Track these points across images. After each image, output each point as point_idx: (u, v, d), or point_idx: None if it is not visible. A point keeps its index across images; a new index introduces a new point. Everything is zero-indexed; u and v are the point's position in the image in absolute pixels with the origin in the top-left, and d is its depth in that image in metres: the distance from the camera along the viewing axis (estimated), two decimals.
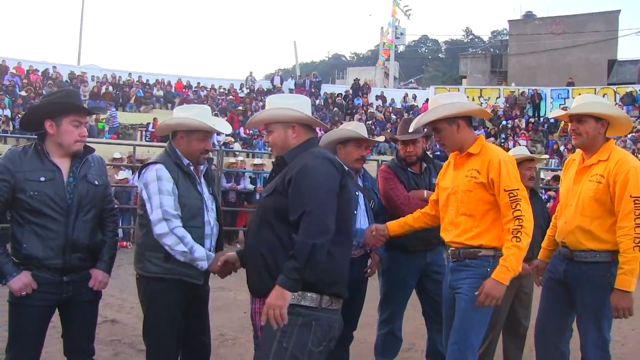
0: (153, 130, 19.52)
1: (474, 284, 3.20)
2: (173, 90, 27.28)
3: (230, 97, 26.88)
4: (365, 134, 4.00)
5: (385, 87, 33.99)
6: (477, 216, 3.28)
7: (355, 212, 3.85)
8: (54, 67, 27.34)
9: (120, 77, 27.58)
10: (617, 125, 3.53)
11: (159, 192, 3.18)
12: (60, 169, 3.15)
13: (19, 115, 19.60)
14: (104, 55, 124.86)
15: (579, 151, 3.65)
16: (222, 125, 3.69)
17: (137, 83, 26.94)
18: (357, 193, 3.94)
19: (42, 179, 3.06)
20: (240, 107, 24.33)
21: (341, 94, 29.06)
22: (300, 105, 2.94)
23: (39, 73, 26.05)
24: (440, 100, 3.46)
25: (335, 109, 26.96)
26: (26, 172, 3.06)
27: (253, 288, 2.87)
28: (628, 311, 3.25)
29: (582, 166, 3.55)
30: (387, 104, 28.29)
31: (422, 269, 4.23)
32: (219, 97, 27.01)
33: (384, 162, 5.14)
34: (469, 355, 3.22)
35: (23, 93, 22.57)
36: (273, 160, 3.04)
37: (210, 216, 3.43)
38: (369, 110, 27.02)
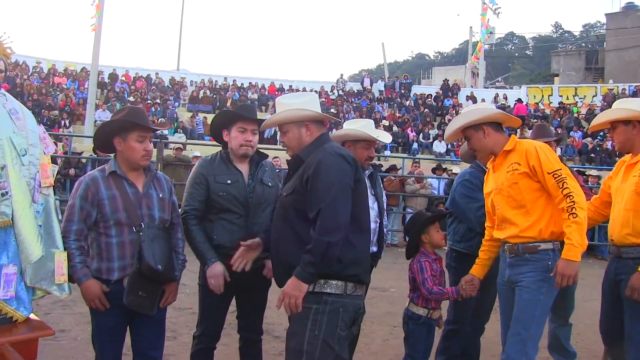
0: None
1: (536, 277, 3.26)
2: (267, 93, 28.04)
3: (322, 99, 27.25)
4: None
5: (473, 86, 33.44)
6: (528, 206, 3.31)
7: None
8: (157, 73, 28.95)
9: (216, 81, 28.72)
10: None
11: None
12: (242, 173, 3.52)
13: None
14: (200, 60, 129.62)
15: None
16: (384, 136, 4.22)
17: (233, 87, 27.93)
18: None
19: (229, 181, 3.45)
20: (332, 110, 24.63)
21: (431, 94, 28.80)
22: (310, 103, 3.02)
23: (144, 79, 27.57)
24: (463, 111, 3.67)
25: (426, 110, 26.80)
26: (216, 176, 3.47)
27: (278, 280, 2.98)
28: None
29: (627, 164, 3.64)
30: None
31: None
32: None
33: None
34: (530, 346, 3.27)
35: (131, 99, 23.92)
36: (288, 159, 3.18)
37: (372, 214, 3.74)
38: (459, 111, 26.41)
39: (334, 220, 2.67)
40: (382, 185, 4.42)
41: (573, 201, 3.13)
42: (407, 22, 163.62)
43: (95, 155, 11.01)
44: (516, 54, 70.92)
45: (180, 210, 3.52)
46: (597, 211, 3.89)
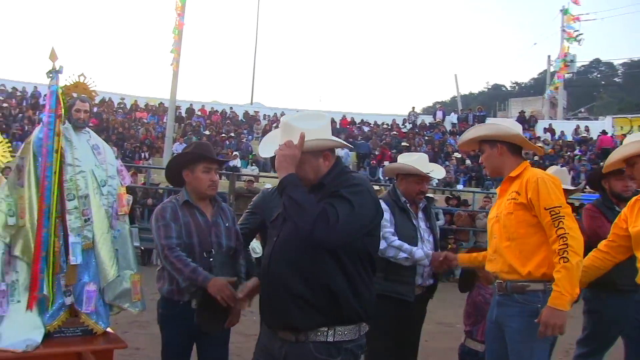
0: None
1: (524, 323, 3.01)
2: (338, 126, 28.36)
3: (394, 132, 27.26)
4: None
5: (552, 118, 32.49)
6: (520, 239, 3.09)
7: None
8: (231, 107, 29.98)
9: None
10: None
11: None
12: None
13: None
14: (273, 93, 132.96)
15: None
16: (438, 172, 4.26)
17: None
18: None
19: None
20: (404, 143, 24.60)
21: None
22: (327, 128, 2.66)
23: (219, 113, 28.63)
24: (486, 121, 3.46)
25: None
26: (272, 208, 3.64)
27: (277, 320, 2.61)
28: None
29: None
30: (557, 136, 26.83)
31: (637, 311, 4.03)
32: (382, 133, 27.55)
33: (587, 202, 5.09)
34: None
35: (207, 132, 24.82)
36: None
37: (425, 246, 3.98)
38: (537, 144, 25.41)
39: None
40: (435, 217, 4.51)
41: (566, 244, 2.89)
42: (482, 53, 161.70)
43: (172, 187, 11.55)
44: (602, 82, 67.89)
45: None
46: (605, 258, 3.56)
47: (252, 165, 22.03)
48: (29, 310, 3.02)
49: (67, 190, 3.18)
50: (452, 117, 29.85)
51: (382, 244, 3.78)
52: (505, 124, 3.35)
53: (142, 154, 21.87)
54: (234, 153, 21.42)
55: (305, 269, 2.39)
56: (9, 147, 3.34)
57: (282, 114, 28.86)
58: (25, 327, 3.00)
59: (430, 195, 8.24)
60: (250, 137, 26.40)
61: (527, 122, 28.29)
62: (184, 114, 27.43)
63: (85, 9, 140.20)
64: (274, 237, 2.59)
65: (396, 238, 3.85)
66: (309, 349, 2.38)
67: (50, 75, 3.10)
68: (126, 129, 24.57)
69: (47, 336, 3.07)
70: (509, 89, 70.83)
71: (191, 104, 28.77)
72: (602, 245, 3.58)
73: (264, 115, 29.47)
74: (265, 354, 2.58)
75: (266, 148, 2.72)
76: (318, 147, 2.52)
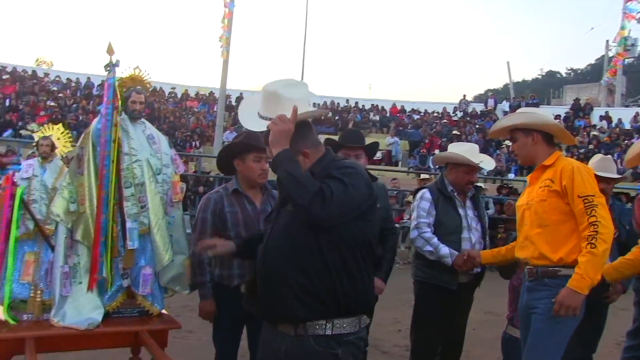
0: None
1: (551, 306, 3.01)
2: (388, 114, 28.27)
3: (445, 121, 26.97)
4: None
5: (609, 105, 31.41)
6: (552, 226, 3.10)
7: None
8: None
9: (338, 103, 29.38)
10: None
11: (417, 208, 4.04)
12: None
13: None
14: (322, 81, 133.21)
15: None
16: (488, 163, 4.27)
17: (355, 109, 28.45)
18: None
19: None
20: (455, 131, 24.32)
21: (560, 115, 26.96)
22: (307, 98, 2.60)
23: None
24: (520, 111, 3.53)
25: None
26: None
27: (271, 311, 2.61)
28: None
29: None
30: (614, 124, 25.89)
31: None
32: (433, 121, 27.30)
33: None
34: None
35: None
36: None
37: (473, 234, 4.03)
38: (591, 133, 24.62)
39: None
40: (485, 206, 4.51)
41: (596, 231, 2.93)
42: (536, 39, 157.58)
43: (222, 175, 11.80)
44: None
45: None
46: None
47: None
48: (89, 291, 3.22)
49: (124, 179, 3.35)
50: (504, 105, 29.23)
51: (414, 233, 4.00)
52: (541, 113, 3.39)
53: (193, 143, 22.32)
54: None
55: (301, 259, 2.33)
56: (69, 137, 3.53)
57: (332, 102, 29.14)
58: (86, 307, 3.20)
59: (481, 184, 8.20)
60: None
61: (582, 109, 27.71)
62: (234, 103, 27.78)
63: (141, 5, 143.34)
64: (268, 230, 2.54)
65: (429, 230, 3.96)
66: (309, 342, 2.33)
67: (108, 68, 3.25)
68: (177, 118, 25.11)
69: (106, 316, 3.26)
70: (564, 75, 68.49)
71: (241, 93, 29.01)
72: None
73: (314, 103, 29.54)
74: (266, 348, 2.56)
75: (250, 120, 2.53)
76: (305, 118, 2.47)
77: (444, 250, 3.86)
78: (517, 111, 3.55)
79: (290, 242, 2.36)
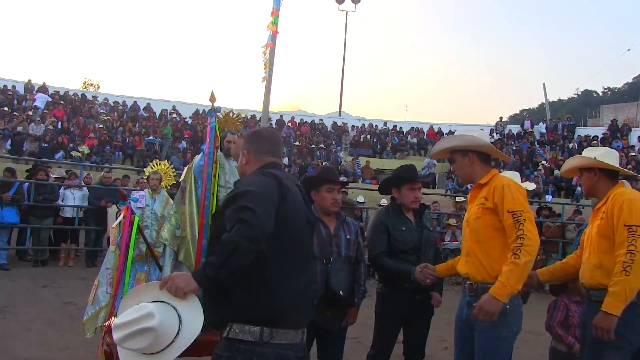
0: None
1: (493, 322, 3.13)
2: (425, 137, 28.52)
3: None
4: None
5: None
6: (487, 242, 3.29)
7: None
8: (320, 119, 30.78)
9: (376, 126, 29.79)
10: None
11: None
12: (411, 221, 4.24)
13: (294, 163, 22.68)
14: (359, 102, 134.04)
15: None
16: (528, 186, 4.56)
17: (392, 131, 28.83)
18: None
19: (403, 228, 4.17)
20: None
21: (597, 136, 26.82)
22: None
23: (308, 124, 29.51)
24: (456, 133, 3.72)
25: None
26: (393, 224, 4.22)
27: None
28: (607, 332, 3.20)
29: (594, 210, 3.65)
30: None
31: None
32: None
33: None
34: None
35: (297, 143, 25.72)
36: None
37: None
38: (630, 154, 24.12)
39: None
40: None
41: (521, 243, 3.09)
42: (572, 59, 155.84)
43: None
44: None
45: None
46: (579, 260, 3.80)
47: (341, 176, 22.58)
48: None
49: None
50: (541, 127, 29.24)
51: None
52: (475, 134, 3.57)
53: None
54: (324, 164, 22.14)
55: None
56: (172, 171, 4.08)
57: (370, 125, 29.57)
58: None
59: None
60: (338, 147, 27.05)
61: (619, 130, 27.20)
62: (274, 125, 28.36)
63: (184, 30, 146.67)
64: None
65: None
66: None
67: (210, 114, 3.79)
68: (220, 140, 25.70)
69: (204, 328, 3.73)
70: (600, 94, 67.32)
71: (281, 116, 29.80)
72: (578, 251, 3.84)
73: (352, 126, 30.08)
74: None
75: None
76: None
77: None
78: (454, 133, 3.80)
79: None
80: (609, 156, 3.65)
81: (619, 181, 3.62)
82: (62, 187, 11.27)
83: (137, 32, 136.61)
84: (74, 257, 11.37)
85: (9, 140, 20.12)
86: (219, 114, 3.88)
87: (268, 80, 22.11)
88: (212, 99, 3.76)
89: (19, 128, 20.64)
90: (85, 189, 11.48)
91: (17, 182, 10.51)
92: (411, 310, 4.14)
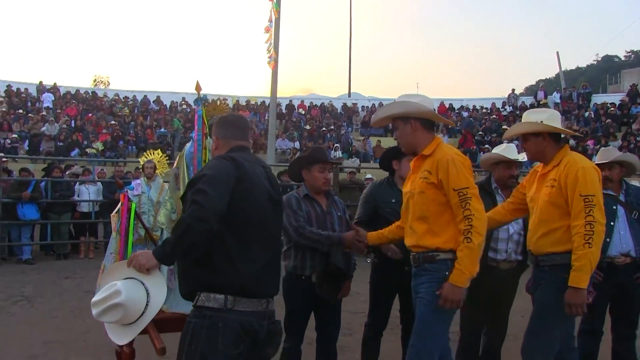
0: None
1: (432, 288, 3.17)
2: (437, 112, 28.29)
3: (494, 116, 26.68)
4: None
5: None
6: (431, 218, 3.23)
7: (612, 223, 4.36)
8: (330, 101, 30.83)
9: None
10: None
11: None
12: (402, 192, 4.40)
13: (305, 147, 22.81)
14: (370, 81, 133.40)
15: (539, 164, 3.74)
16: (523, 157, 4.69)
17: None
18: (614, 207, 4.43)
19: (393, 200, 4.31)
20: (505, 126, 23.91)
21: (614, 103, 25.89)
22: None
23: (318, 107, 29.62)
24: (398, 99, 3.48)
25: (608, 120, 24.03)
26: (383, 196, 4.38)
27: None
28: (580, 307, 3.23)
29: (540, 174, 3.63)
30: None
31: None
32: (482, 117, 27.15)
33: None
34: (426, 359, 3.18)
35: (307, 127, 25.85)
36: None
37: (512, 225, 4.49)
38: None
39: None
40: None
41: (471, 224, 3.07)
42: (590, 23, 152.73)
43: (280, 182, 12.57)
44: None
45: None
46: (506, 214, 3.91)
47: (352, 157, 22.72)
48: None
49: None
50: (555, 97, 28.63)
51: None
52: (416, 100, 3.42)
53: None
54: (335, 145, 22.29)
55: None
56: (166, 160, 4.30)
57: (380, 104, 29.44)
58: None
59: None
60: (349, 128, 27.07)
61: (639, 95, 25.93)
62: (284, 110, 28.50)
63: (190, 19, 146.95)
64: None
65: None
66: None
67: (197, 102, 3.99)
68: None
69: None
70: (622, 59, 63.34)
71: (290, 100, 29.88)
72: (507, 204, 3.97)
73: (362, 106, 30.08)
74: None
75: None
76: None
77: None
78: (396, 99, 3.55)
79: None
80: (555, 119, 3.67)
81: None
82: (77, 183, 11.61)
83: (144, 25, 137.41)
84: (94, 249, 11.73)
85: (27, 141, 20.62)
86: (206, 102, 4.10)
87: (274, 64, 22.28)
88: (198, 88, 3.94)
89: (42, 128, 21.30)
90: (99, 183, 11.80)
91: (33, 180, 10.89)
92: (405, 280, 4.30)
